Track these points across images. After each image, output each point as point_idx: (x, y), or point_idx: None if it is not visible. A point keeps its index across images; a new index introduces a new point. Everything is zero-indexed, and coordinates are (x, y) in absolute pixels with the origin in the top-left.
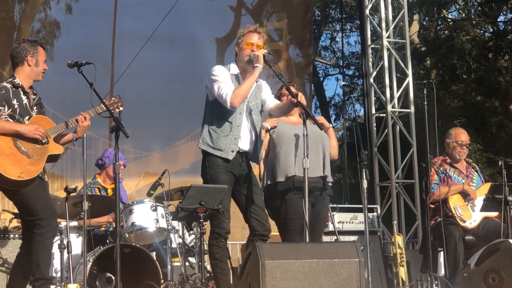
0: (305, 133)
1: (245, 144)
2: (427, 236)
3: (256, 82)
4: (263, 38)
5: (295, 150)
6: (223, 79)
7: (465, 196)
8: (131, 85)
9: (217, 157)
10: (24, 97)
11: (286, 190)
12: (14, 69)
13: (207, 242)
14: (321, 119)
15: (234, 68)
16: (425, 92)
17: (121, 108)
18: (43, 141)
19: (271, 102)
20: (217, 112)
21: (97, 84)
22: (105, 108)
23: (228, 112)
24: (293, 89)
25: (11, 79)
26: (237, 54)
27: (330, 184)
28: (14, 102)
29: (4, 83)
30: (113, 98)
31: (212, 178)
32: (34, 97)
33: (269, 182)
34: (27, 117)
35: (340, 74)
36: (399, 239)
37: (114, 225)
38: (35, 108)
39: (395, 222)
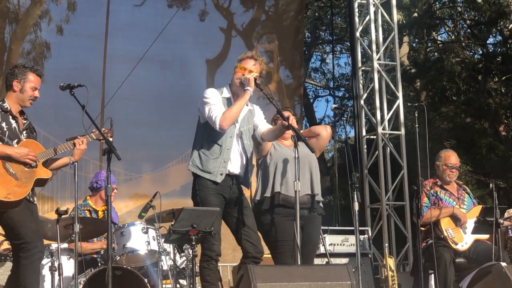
0: (296, 155)
1: (235, 167)
2: (418, 258)
3: (247, 106)
4: (260, 66)
5: (284, 171)
6: (214, 102)
7: (455, 220)
8: (122, 107)
9: (207, 179)
10: (13, 121)
11: (271, 208)
12: (6, 93)
13: (198, 265)
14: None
15: (227, 92)
16: (416, 114)
17: (110, 139)
18: (33, 165)
19: (263, 126)
20: (208, 135)
21: (88, 105)
22: (100, 135)
23: (218, 135)
24: (287, 113)
25: (0, 102)
26: (232, 77)
27: (321, 205)
28: (3, 125)
29: None
30: (104, 129)
31: (202, 200)
32: (24, 121)
33: (257, 198)
34: (16, 140)
35: (330, 95)
36: (390, 262)
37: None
38: (24, 132)
39: (386, 244)
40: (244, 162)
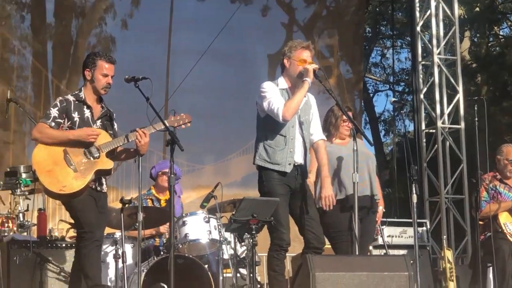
0: (355, 148)
1: (298, 157)
2: (476, 251)
3: (304, 97)
4: (312, 55)
5: (342, 170)
6: (273, 94)
7: None
8: (185, 100)
9: (274, 171)
10: (87, 111)
11: (342, 209)
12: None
13: (266, 254)
14: None
15: (283, 83)
16: (475, 108)
17: (188, 125)
18: (95, 155)
19: (316, 137)
20: (270, 128)
21: (152, 98)
22: (162, 126)
23: (281, 126)
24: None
25: (77, 92)
26: (285, 68)
27: (378, 199)
28: (75, 115)
29: (68, 96)
30: (182, 114)
31: (269, 191)
32: (102, 110)
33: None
34: None
35: (390, 90)
36: (448, 254)
37: (167, 237)
38: (98, 121)
39: (444, 237)
40: (305, 152)
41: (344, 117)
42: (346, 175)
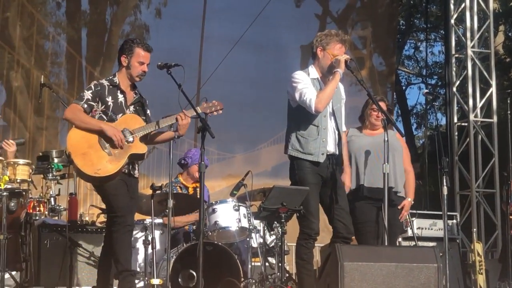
0: (385, 138)
1: (331, 146)
2: (507, 245)
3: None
4: (346, 47)
5: (367, 160)
6: (305, 85)
7: None
8: (216, 88)
9: (306, 161)
10: (120, 96)
11: (355, 199)
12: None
13: (295, 243)
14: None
15: (314, 72)
16: (508, 102)
17: (220, 112)
18: (129, 140)
19: None
20: (303, 118)
21: (184, 86)
22: (200, 111)
23: (313, 116)
24: (381, 104)
25: (111, 77)
26: (317, 57)
27: (400, 195)
28: (109, 99)
29: (102, 80)
30: (214, 101)
31: (301, 179)
32: (135, 96)
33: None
34: (120, 115)
35: (423, 83)
36: (478, 247)
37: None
38: (132, 107)
39: (474, 229)
40: (338, 140)
41: (374, 106)
42: (366, 166)
